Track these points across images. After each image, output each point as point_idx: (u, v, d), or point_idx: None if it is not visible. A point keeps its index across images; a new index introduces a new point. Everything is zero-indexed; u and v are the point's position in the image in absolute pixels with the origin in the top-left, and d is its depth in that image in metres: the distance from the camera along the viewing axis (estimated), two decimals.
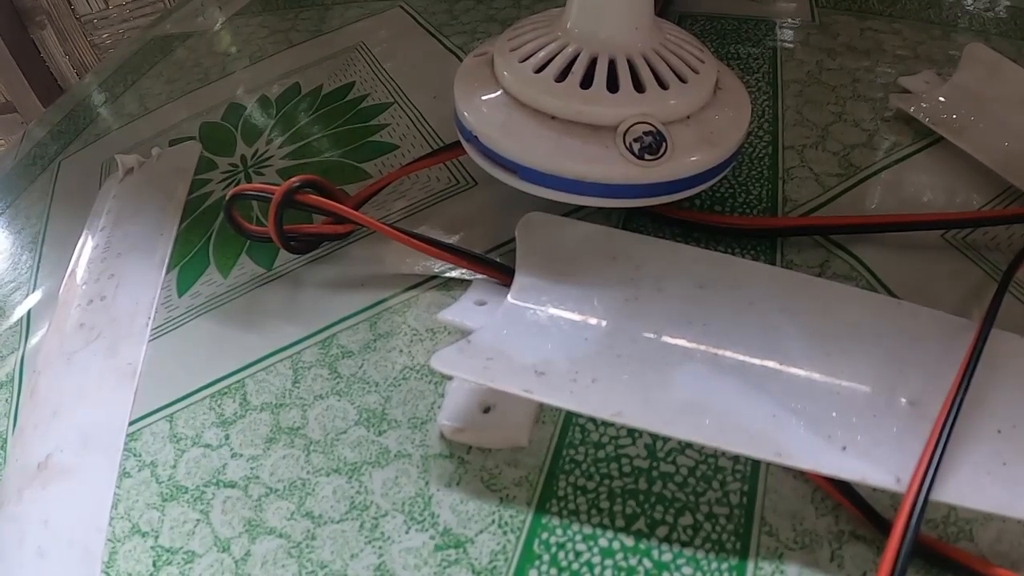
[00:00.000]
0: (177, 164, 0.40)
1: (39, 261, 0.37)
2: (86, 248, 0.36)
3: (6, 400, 0.30)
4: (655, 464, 0.20)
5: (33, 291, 0.35)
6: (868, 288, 0.25)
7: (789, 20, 0.42)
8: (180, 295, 0.31)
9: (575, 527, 0.20)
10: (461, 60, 0.39)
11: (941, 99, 0.34)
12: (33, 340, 0.32)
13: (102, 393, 0.28)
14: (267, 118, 0.41)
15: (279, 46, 0.49)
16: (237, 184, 0.36)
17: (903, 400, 0.20)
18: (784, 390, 0.20)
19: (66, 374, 0.30)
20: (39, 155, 0.48)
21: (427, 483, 0.21)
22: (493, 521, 0.20)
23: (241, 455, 0.24)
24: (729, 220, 0.27)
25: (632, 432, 0.21)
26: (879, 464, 0.18)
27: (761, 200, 0.28)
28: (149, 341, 0.29)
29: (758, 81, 0.36)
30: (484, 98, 0.25)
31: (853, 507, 0.19)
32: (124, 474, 0.25)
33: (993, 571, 0.18)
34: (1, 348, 0.32)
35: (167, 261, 0.33)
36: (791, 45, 0.39)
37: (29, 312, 0.34)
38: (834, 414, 0.20)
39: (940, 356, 0.21)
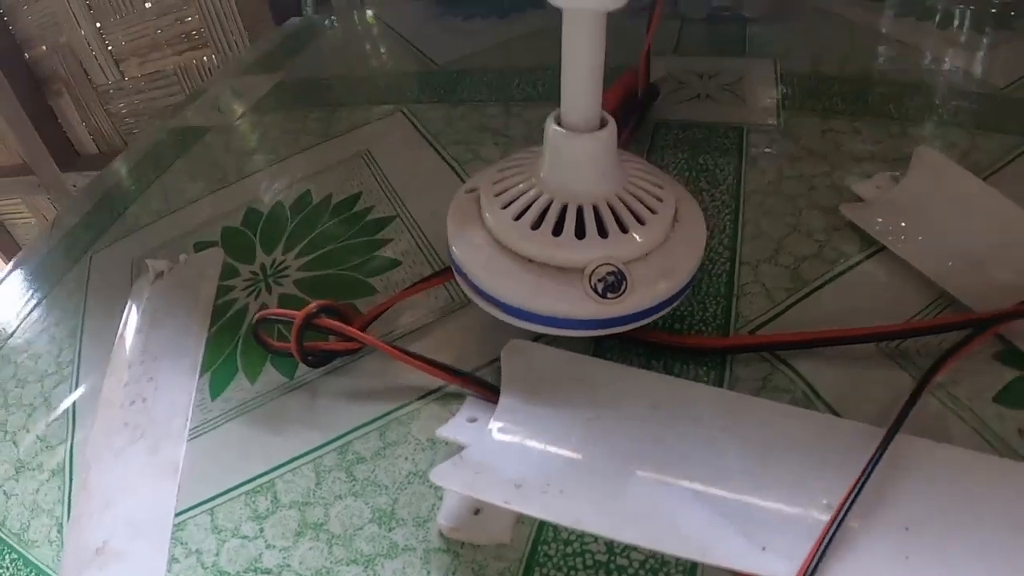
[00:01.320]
0: (203, 270, 0.46)
1: (79, 356, 0.44)
2: (124, 348, 0.43)
3: (58, 488, 0.36)
4: (612, 558, 0.27)
5: (76, 386, 0.41)
6: (803, 398, 0.31)
7: (757, 124, 0.49)
8: (213, 399, 0.37)
9: None
10: (457, 173, 0.47)
11: (888, 208, 0.40)
12: (79, 433, 0.38)
13: (148, 487, 0.35)
14: (282, 226, 0.48)
15: (291, 149, 0.56)
16: (258, 294, 0.43)
17: (823, 502, 0.26)
18: (719, 499, 0.26)
19: (115, 468, 0.36)
20: (71, 246, 0.55)
21: (428, 572, 0.28)
22: None
23: (274, 546, 0.30)
24: (685, 341, 0.33)
25: (592, 534, 0.27)
26: (793, 560, 0.24)
27: (716, 317, 0.35)
28: (188, 441, 0.36)
29: (722, 194, 0.43)
30: (472, 238, 0.32)
31: None
32: (173, 559, 0.31)
33: None
34: (51, 439, 0.39)
35: (199, 365, 0.40)
36: (756, 152, 0.46)
37: (74, 405, 0.40)
38: (760, 519, 0.26)
39: (856, 462, 0.27)
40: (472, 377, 0.32)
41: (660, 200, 0.32)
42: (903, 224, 0.39)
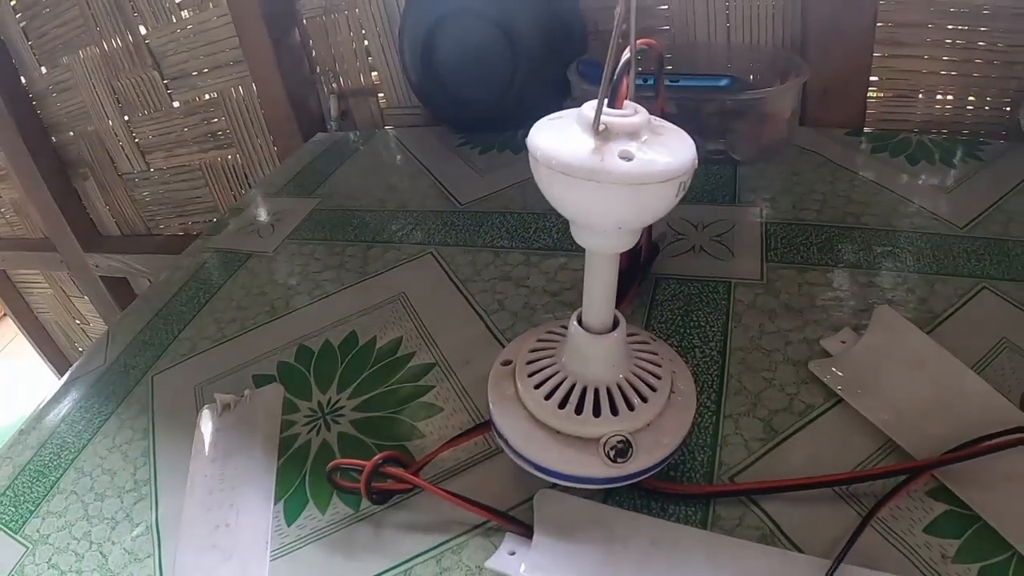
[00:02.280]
0: (266, 404, 0.57)
1: (155, 477, 0.53)
2: (201, 474, 0.53)
3: None
4: None
5: (156, 504, 0.51)
6: (769, 534, 0.42)
7: (743, 279, 0.61)
8: (288, 525, 0.48)
9: None
10: (485, 323, 0.58)
11: (849, 364, 0.52)
12: (165, 549, 0.47)
13: None
14: (334, 366, 0.59)
15: (334, 285, 0.68)
16: (318, 431, 0.54)
17: None
18: None
19: None
20: (130, 364, 0.65)
21: None
22: None
23: None
24: (677, 488, 0.44)
25: None
26: None
27: (703, 465, 0.46)
28: (270, 562, 0.46)
29: (711, 350, 0.54)
30: (511, 411, 0.43)
31: None
32: None
33: None
34: (138, 552, 0.48)
35: (273, 495, 0.51)
36: (741, 308, 0.58)
37: (157, 523, 0.49)
38: None
39: None
40: (509, 517, 0.44)
41: (659, 378, 0.43)
42: (860, 380, 0.50)
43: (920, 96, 0.85)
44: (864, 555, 0.40)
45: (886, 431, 0.47)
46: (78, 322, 1.74)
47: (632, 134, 0.34)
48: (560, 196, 0.35)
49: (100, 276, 1.46)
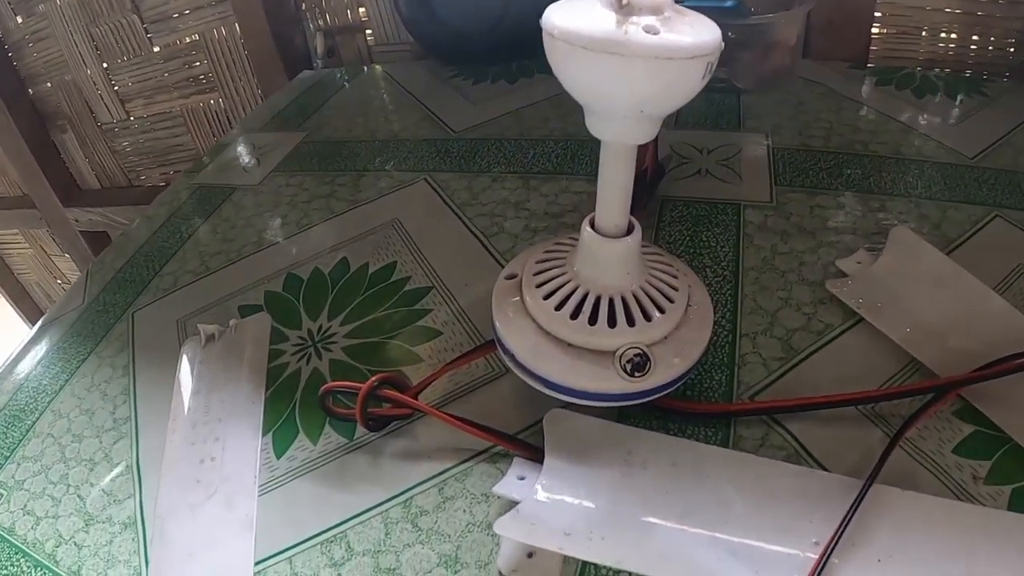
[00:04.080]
0: (253, 334, 0.53)
1: (136, 415, 0.49)
2: (183, 409, 0.49)
3: (132, 540, 0.42)
4: None
5: (137, 442, 0.47)
6: (794, 454, 0.39)
7: (752, 202, 0.57)
8: (278, 457, 0.44)
9: None
10: (484, 245, 0.54)
11: (867, 283, 0.48)
12: (147, 488, 0.44)
13: (227, 539, 0.41)
14: (324, 293, 0.55)
15: (323, 214, 0.64)
16: (308, 359, 0.50)
17: (813, 541, 0.34)
18: (727, 541, 0.34)
19: (193, 522, 0.42)
20: (109, 303, 0.61)
21: None
22: None
23: None
24: (695, 407, 0.41)
25: (627, 570, 0.35)
26: None
27: (720, 384, 0.43)
28: (259, 497, 0.43)
29: (723, 270, 0.51)
30: (517, 324, 0.40)
31: None
32: None
33: None
34: (117, 493, 0.44)
35: (261, 427, 0.47)
36: (752, 229, 0.54)
37: (138, 462, 0.46)
38: (761, 556, 0.33)
39: (839, 509, 0.35)
40: (518, 440, 0.40)
41: (676, 289, 0.40)
42: (879, 298, 0.47)
43: (924, 34, 0.82)
44: (894, 475, 0.37)
45: (909, 349, 0.44)
46: (59, 282, 1.69)
47: (656, 9, 0.30)
48: (579, 76, 0.32)
49: (80, 231, 1.40)
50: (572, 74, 0.32)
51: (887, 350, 0.44)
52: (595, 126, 0.34)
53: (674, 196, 0.59)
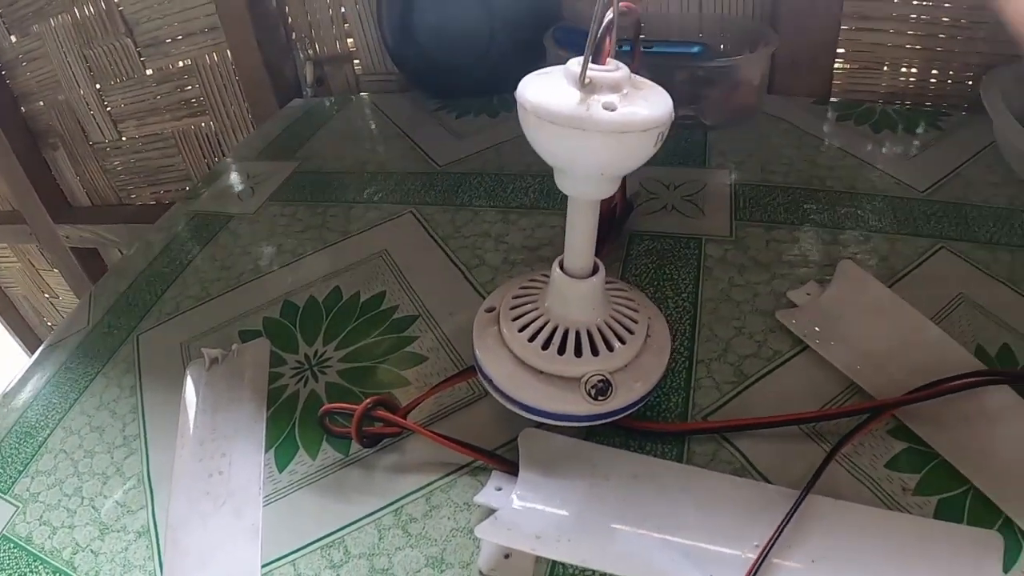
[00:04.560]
0: (253, 358, 0.59)
1: (145, 432, 0.54)
2: (190, 427, 0.54)
3: (147, 547, 0.46)
4: None
5: (147, 458, 0.52)
6: (741, 468, 0.44)
7: (713, 236, 0.63)
8: (280, 471, 0.50)
9: None
10: (466, 277, 0.60)
11: (814, 313, 0.54)
12: (158, 500, 0.49)
13: (236, 545, 0.46)
14: (319, 320, 0.60)
15: (316, 244, 0.69)
16: (306, 381, 0.55)
17: (754, 544, 0.40)
18: (680, 544, 0.40)
19: (203, 530, 0.47)
20: (114, 325, 0.65)
21: None
22: None
23: None
24: (654, 426, 0.47)
25: (592, 569, 0.41)
26: None
27: (677, 406, 0.49)
28: (264, 507, 0.48)
29: (684, 301, 0.57)
30: (496, 353, 0.45)
31: None
32: None
33: None
34: (131, 504, 0.49)
35: (264, 444, 0.52)
36: (712, 262, 0.60)
37: (149, 476, 0.51)
38: (709, 556, 0.39)
39: (778, 515, 0.41)
40: (495, 455, 0.46)
41: (636, 322, 0.46)
42: (824, 328, 0.53)
43: (885, 68, 0.87)
44: (830, 487, 0.42)
45: (849, 374, 0.49)
46: (47, 296, 1.72)
47: (614, 87, 0.36)
48: (548, 144, 0.37)
49: (70, 247, 1.44)
50: (541, 142, 0.37)
51: (830, 375, 0.50)
52: (562, 184, 0.40)
53: (642, 231, 0.65)
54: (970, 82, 0.84)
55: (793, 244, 0.62)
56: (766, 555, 0.38)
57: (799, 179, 0.70)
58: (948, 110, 0.84)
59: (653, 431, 0.47)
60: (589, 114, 0.34)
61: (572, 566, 0.41)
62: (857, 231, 0.63)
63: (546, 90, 0.36)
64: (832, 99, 0.88)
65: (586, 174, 0.38)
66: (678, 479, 0.44)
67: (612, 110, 0.35)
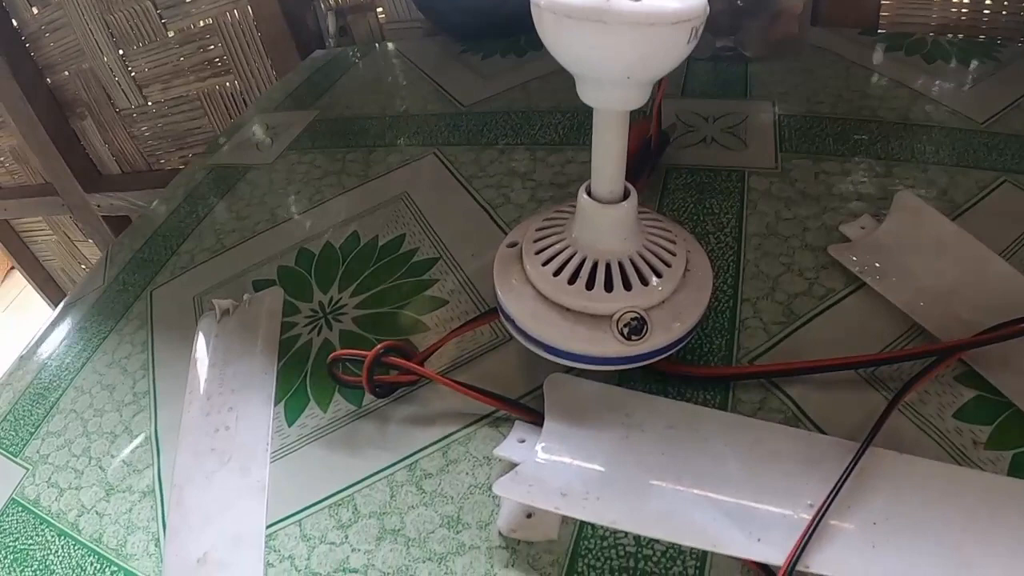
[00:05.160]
0: (266, 308, 0.55)
1: (155, 388, 0.51)
2: (200, 381, 0.51)
3: (151, 507, 0.43)
4: (640, 549, 0.35)
5: (156, 415, 0.49)
6: (792, 418, 0.39)
7: (757, 168, 0.57)
8: (289, 425, 0.45)
9: None
10: (491, 216, 0.55)
11: (870, 248, 0.48)
12: (164, 458, 0.46)
13: (241, 504, 0.42)
14: (335, 266, 0.56)
15: (334, 190, 0.65)
16: (320, 330, 0.51)
17: (808, 503, 0.35)
18: (723, 501, 0.34)
19: (208, 489, 0.44)
20: (128, 282, 0.62)
21: (492, 565, 0.36)
22: None
23: (359, 550, 0.38)
24: (695, 371, 0.41)
25: (623, 531, 0.36)
26: (782, 549, 0.32)
27: (720, 349, 0.43)
28: (271, 463, 0.44)
29: (726, 236, 0.51)
30: (518, 291, 0.40)
31: (764, 575, 0.33)
32: (268, 564, 0.39)
33: None
34: (137, 463, 0.46)
35: (273, 396, 0.48)
36: (756, 195, 0.54)
37: (156, 433, 0.48)
38: (756, 517, 0.34)
39: (835, 471, 0.35)
40: (519, 404, 0.41)
41: (673, 254, 0.40)
42: (882, 263, 0.47)
43: None
44: (893, 439, 0.37)
45: (911, 314, 0.44)
46: (83, 267, 1.72)
47: None
48: (566, 44, 0.32)
49: (103, 216, 1.43)
50: (559, 43, 0.32)
51: (889, 315, 0.44)
52: (585, 94, 0.35)
53: (679, 164, 0.59)
54: None
55: (844, 176, 0.56)
56: (822, 516, 0.33)
57: (848, 110, 0.64)
58: (1004, 42, 0.77)
59: (693, 376, 0.42)
60: (610, 5, 0.30)
61: (601, 527, 0.36)
62: (913, 163, 0.57)
63: None
64: (880, 31, 0.81)
65: (611, 78, 0.33)
66: (721, 430, 0.38)
67: (637, 0, 0.29)
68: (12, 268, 2.56)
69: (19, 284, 2.67)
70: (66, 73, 1.31)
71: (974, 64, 0.71)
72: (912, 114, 0.63)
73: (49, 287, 1.82)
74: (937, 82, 0.68)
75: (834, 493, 0.34)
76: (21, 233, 1.70)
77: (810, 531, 0.32)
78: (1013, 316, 0.40)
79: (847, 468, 0.35)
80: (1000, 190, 0.53)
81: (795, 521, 0.33)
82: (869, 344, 0.43)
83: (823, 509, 0.33)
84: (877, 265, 0.47)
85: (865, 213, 0.52)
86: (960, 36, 0.81)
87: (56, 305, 1.74)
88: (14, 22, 1.27)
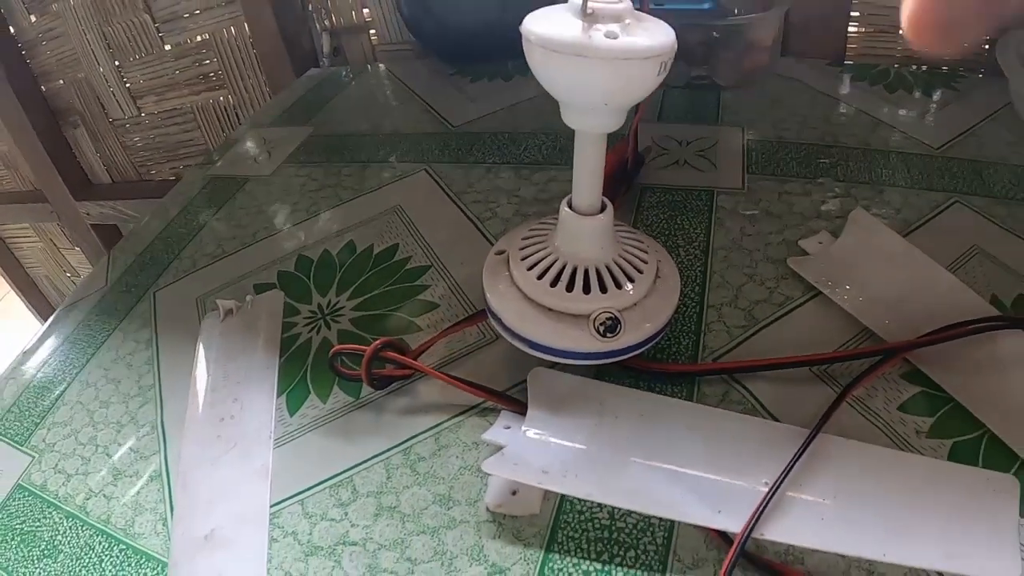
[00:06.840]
0: (268, 309, 0.59)
1: (160, 382, 0.54)
2: (204, 374, 0.54)
3: (158, 490, 0.46)
4: (613, 521, 0.39)
5: (162, 406, 0.52)
6: (752, 409, 0.44)
7: (725, 188, 0.62)
8: (291, 415, 0.49)
9: (569, 559, 0.39)
10: (478, 228, 0.59)
11: (826, 260, 0.53)
12: (171, 445, 0.49)
13: (245, 486, 0.46)
14: (332, 272, 0.60)
15: (331, 202, 0.69)
16: (319, 330, 0.55)
17: (763, 481, 0.39)
18: (689, 478, 0.39)
19: (213, 473, 0.47)
20: (131, 284, 0.66)
21: (480, 537, 0.40)
22: (521, 558, 0.39)
23: (357, 525, 0.42)
24: (664, 367, 0.46)
25: (600, 504, 0.40)
26: (740, 519, 0.37)
27: (687, 348, 0.48)
28: (274, 449, 0.48)
29: (695, 249, 0.56)
30: (505, 293, 0.45)
31: (724, 543, 0.38)
32: (272, 540, 0.42)
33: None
34: (144, 450, 0.49)
35: (275, 388, 0.52)
36: (723, 213, 0.59)
37: (163, 422, 0.51)
38: (717, 491, 0.38)
39: (788, 453, 0.40)
40: (505, 396, 0.45)
41: (645, 262, 0.45)
42: (837, 274, 0.52)
43: (901, 32, 0.85)
44: (841, 428, 0.42)
45: (861, 318, 0.49)
46: (68, 275, 1.73)
47: (617, 17, 0.35)
48: (552, 74, 0.37)
49: (92, 224, 1.45)
50: (546, 73, 0.37)
51: (841, 320, 0.49)
52: (568, 118, 0.40)
53: (653, 184, 0.64)
54: (987, 46, 0.82)
55: (806, 196, 0.61)
56: (776, 490, 0.37)
57: (813, 136, 0.69)
58: (964, 73, 0.82)
59: (663, 371, 0.46)
60: (591, 42, 0.34)
61: (579, 500, 0.40)
62: (870, 185, 0.62)
63: (550, 22, 0.36)
64: (847, 62, 0.87)
65: (590, 104, 0.38)
66: (687, 417, 0.43)
67: (614, 38, 0.34)
68: None
69: (2, 290, 2.67)
70: (61, 82, 1.33)
71: (935, 94, 0.76)
72: (872, 140, 0.68)
73: (31, 292, 1.83)
74: (898, 110, 0.73)
75: (786, 471, 0.38)
76: (6, 238, 1.71)
77: (764, 503, 0.36)
78: (955, 321, 0.45)
79: (799, 450, 0.39)
80: (950, 210, 0.58)
81: (752, 495, 0.38)
82: (823, 345, 0.47)
83: (776, 484, 0.37)
84: (832, 276, 0.52)
85: (823, 230, 0.57)
86: (923, 67, 0.86)
87: (37, 311, 1.75)
88: (11, 29, 1.29)
